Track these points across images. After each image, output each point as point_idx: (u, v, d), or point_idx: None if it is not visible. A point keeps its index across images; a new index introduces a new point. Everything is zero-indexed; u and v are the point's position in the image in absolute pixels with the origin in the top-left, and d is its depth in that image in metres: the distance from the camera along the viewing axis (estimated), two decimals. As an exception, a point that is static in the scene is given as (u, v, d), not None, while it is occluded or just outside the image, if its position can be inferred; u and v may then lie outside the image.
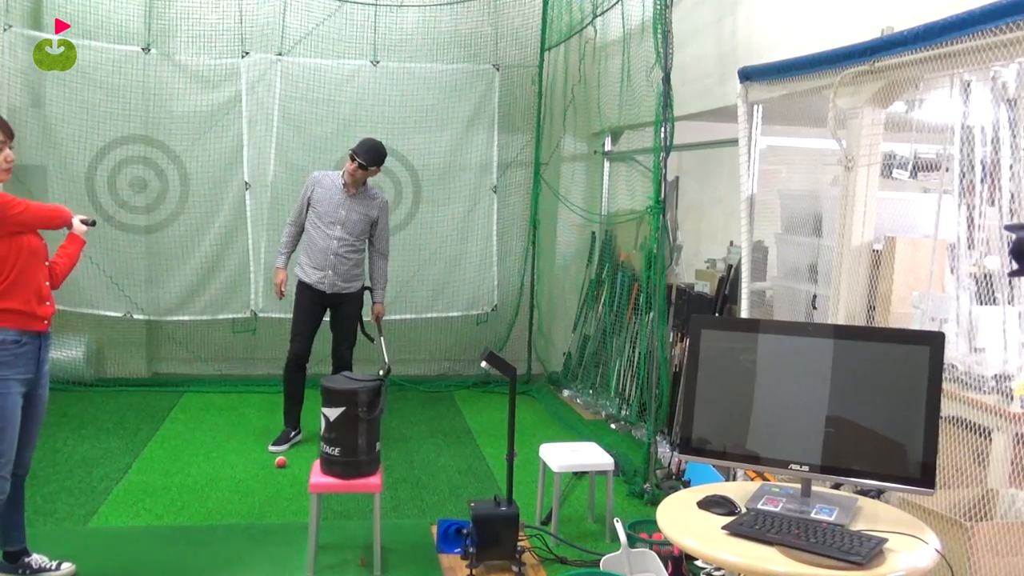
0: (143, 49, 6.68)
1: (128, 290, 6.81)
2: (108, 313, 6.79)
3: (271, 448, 5.38)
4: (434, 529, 4.18)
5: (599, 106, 6.45)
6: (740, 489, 2.72)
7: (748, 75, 4.24)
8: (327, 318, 5.52)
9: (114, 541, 4.04)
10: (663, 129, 4.75)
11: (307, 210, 5.36)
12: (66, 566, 3.64)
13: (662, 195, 4.88)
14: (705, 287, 5.58)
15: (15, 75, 6.55)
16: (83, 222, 3.59)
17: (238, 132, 6.81)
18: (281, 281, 5.43)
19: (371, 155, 5.22)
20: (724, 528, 2.38)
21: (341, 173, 5.31)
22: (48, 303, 3.36)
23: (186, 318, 6.99)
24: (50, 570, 3.60)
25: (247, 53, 6.76)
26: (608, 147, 6.84)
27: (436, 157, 7.11)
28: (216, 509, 4.48)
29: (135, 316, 6.86)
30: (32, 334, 3.27)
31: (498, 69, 7.18)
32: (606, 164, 6.86)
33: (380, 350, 5.54)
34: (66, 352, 6.61)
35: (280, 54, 6.80)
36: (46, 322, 3.34)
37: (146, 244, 6.87)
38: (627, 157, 6.26)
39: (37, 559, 3.61)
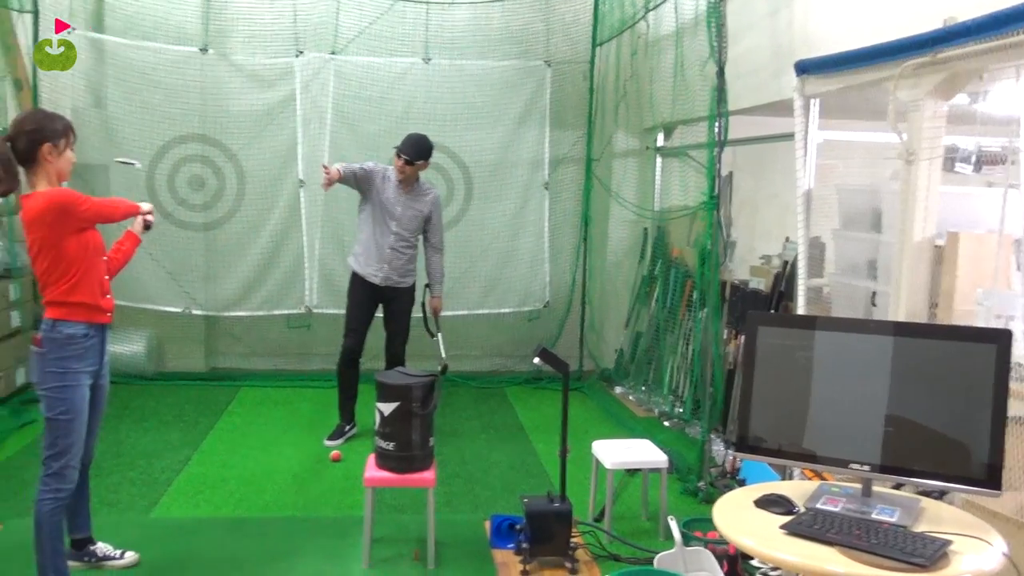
0: (200, 50, 6.81)
1: (187, 286, 6.95)
2: (168, 308, 6.94)
3: (326, 442, 5.45)
4: (487, 524, 4.20)
5: (651, 101, 6.40)
6: (798, 488, 2.69)
7: (805, 68, 4.18)
8: (380, 314, 5.57)
9: (175, 531, 4.13)
10: (717, 124, 4.70)
11: (364, 201, 5.36)
12: (129, 555, 3.74)
13: (716, 191, 4.83)
14: (760, 283, 5.51)
15: (79, 77, 6.73)
16: (146, 225, 3.66)
17: (292, 130, 6.90)
18: (331, 172, 5.11)
19: (415, 150, 5.24)
20: (782, 527, 2.35)
21: (395, 169, 5.36)
22: (109, 296, 3.44)
23: (243, 314, 7.11)
24: (115, 559, 3.70)
25: (301, 52, 6.85)
26: (661, 142, 6.78)
27: (487, 154, 7.13)
28: (273, 501, 4.56)
29: (194, 311, 7.00)
30: (98, 327, 3.36)
31: (549, 65, 7.16)
32: (658, 160, 6.81)
33: (436, 346, 5.58)
34: (128, 346, 6.78)
35: (333, 53, 6.87)
36: (109, 315, 3.43)
37: (204, 241, 7.00)
38: (680, 152, 6.21)
39: (102, 547, 3.71)
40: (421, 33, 6.98)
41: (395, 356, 5.48)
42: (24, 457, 5.04)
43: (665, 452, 4.25)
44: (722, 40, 4.69)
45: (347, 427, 5.57)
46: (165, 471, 4.92)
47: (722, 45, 4.69)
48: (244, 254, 7.03)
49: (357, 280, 5.45)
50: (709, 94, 4.85)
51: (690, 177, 6.07)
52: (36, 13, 6.56)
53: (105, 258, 3.47)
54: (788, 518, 2.41)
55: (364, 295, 5.44)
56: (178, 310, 6.95)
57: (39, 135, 3.19)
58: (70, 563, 3.42)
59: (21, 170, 3.23)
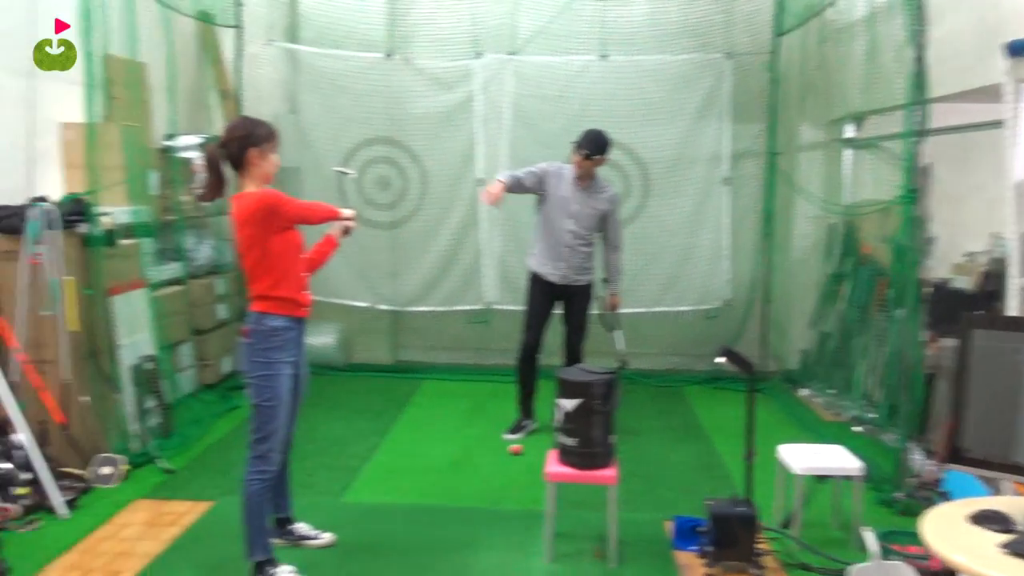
0: (385, 55, 7.08)
1: (374, 282, 7.26)
2: (357, 303, 7.28)
3: (506, 436, 5.55)
4: (669, 525, 4.14)
5: (841, 91, 6.11)
6: (1014, 505, 2.49)
7: (1018, 49, 3.86)
8: (558, 311, 5.60)
9: (366, 515, 4.33)
10: (916, 112, 4.42)
11: (539, 192, 5.40)
12: (326, 535, 3.95)
13: (914, 183, 4.54)
14: (963, 282, 5.13)
15: (276, 85, 7.17)
16: (345, 231, 3.83)
17: (472, 131, 7.06)
18: (498, 192, 5.19)
19: (595, 145, 5.23)
20: (1004, 547, 2.18)
21: (571, 167, 5.37)
22: (307, 292, 3.64)
23: (425, 309, 7.35)
24: (313, 538, 3.92)
25: (480, 54, 7.00)
26: (850, 134, 6.46)
27: (665, 150, 7.02)
28: (456, 491, 4.68)
29: (380, 306, 7.31)
30: (297, 320, 3.56)
31: (730, 57, 6.97)
32: (847, 152, 6.49)
33: (614, 341, 5.56)
34: (320, 339, 7.16)
35: (512, 53, 6.97)
36: (307, 309, 3.63)
37: (389, 239, 7.29)
38: (872, 144, 5.89)
39: (302, 527, 3.94)
40: (598, 30, 6.96)
41: (573, 353, 5.50)
42: (232, 439, 5.43)
43: (858, 459, 4.04)
44: (921, 22, 4.41)
45: (526, 422, 5.64)
46: (355, 457, 5.16)
47: (921, 28, 4.41)
48: (426, 251, 7.26)
49: (536, 279, 5.51)
50: (906, 81, 4.57)
51: (883, 169, 5.75)
52: (239, 27, 7.06)
53: (304, 257, 3.68)
54: (1009, 537, 2.24)
55: (542, 293, 5.49)
56: (366, 305, 7.27)
57: (247, 140, 3.42)
58: (273, 540, 3.65)
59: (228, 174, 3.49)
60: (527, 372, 5.60)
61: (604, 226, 5.46)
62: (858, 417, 5.80)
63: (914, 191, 4.56)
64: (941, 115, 4.93)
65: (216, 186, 3.42)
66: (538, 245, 5.48)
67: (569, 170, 5.38)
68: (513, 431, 5.58)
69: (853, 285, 6.17)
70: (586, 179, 5.35)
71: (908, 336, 4.59)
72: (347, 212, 3.78)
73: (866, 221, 6.17)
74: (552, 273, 5.42)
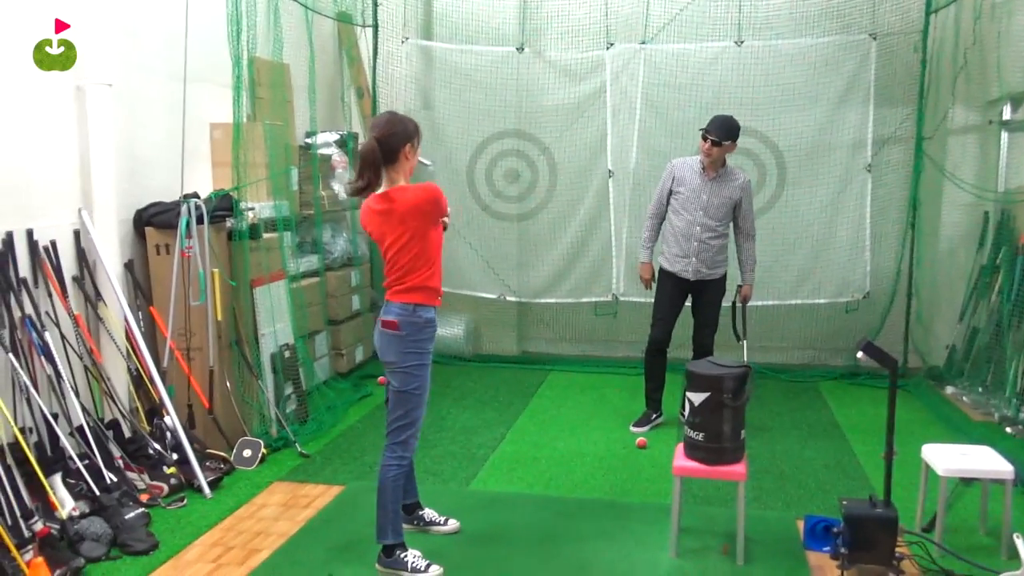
0: (517, 49, 7.12)
1: (502, 274, 7.33)
2: (484, 295, 7.38)
3: (632, 428, 5.50)
4: (800, 524, 3.98)
5: (998, 69, 5.72)
6: None
7: None
8: (688, 303, 5.50)
9: (491, 504, 4.37)
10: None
11: (668, 199, 5.37)
12: (452, 522, 4.02)
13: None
14: None
15: (411, 81, 7.34)
16: (444, 226, 3.80)
17: (602, 121, 7.01)
18: (649, 277, 5.49)
19: (723, 130, 5.10)
20: None
21: (699, 158, 5.26)
22: None
23: (552, 300, 7.37)
24: (439, 524, 4.00)
25: (612, 44, 6.93)
26: (1008, 115, 6.04)
27: (803, 137, 6.76)
28: (581, 483, 4.67)
29: (508, 298, 7.37)
30: (436, 311, 3.64)
31: (875, 38, 6.63)
32: (1004, 135, 6.07)
33: (740, 350, 5.40)
34: (449, 330, 7.30)
35: (643, 42, 6.87)
36: (440, 299, 3.70)
37: (518, 231, 7.34)
38: (1032, 126, 5.50)
39: (429, 513, 4.03)
40: (734, 15, 6.76)
41: (703, 346, 5.38)
42: (363, 427, 5.61)
43: (1009, 461, 3.78)
44: (1089, -7, 4.06)
45: (653, 415, 5.57)
46: (482, 447, 5.23)
47: (1089, -1, 4.06)
48: (554, 243, 7.26)
49: (666, 275, 5.43)
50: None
51: (1044, 153, 5.37)
52: (376, 27, 7.26)
53: None
54: None
55: (673, 287, 5.41)
56: (493, 296, 7.35)
57: (404, 136, 3.50)
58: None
59: None
60: (655, 365, 5.52)
61: (736, 215, 5.32)
62: (1010, 417, 5.43)
63: (1078, 175, 4.21)
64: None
65: (375, 181, 3.48)
66: (667, 243, 5.39)
67: (697, 161, 5.27)
68: (640, 424, 5.52)
69: (1007, 277, 5.77)
70: (715, 166, 5.22)
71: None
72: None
73: (1023, 209, 5.76)
74: (684, 270, 5.32)
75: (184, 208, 4.83)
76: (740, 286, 5.51)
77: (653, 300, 5.53)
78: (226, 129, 5.39)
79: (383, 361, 3.59)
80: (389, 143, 3.46)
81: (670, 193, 5.34)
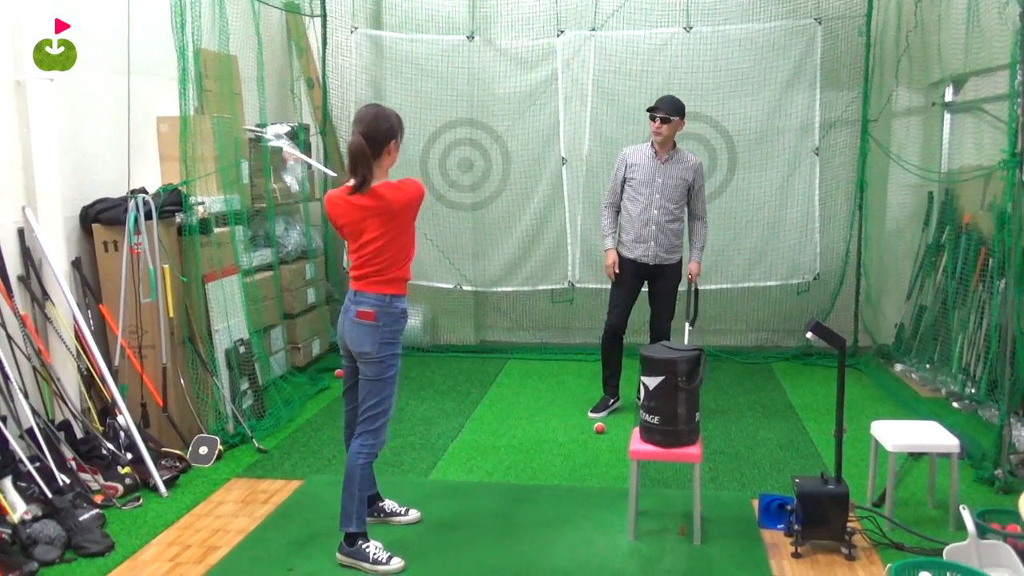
0: (468, 37, 7.10)
1: (458, 263, 7.32)
2: (441, 285, 7.36)
3: (590, 414, 5.54)
4: (755, 503, 4.07)
5: (939, 53, 5.83)
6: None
7: None
8: (645, 290, 5.55)
9: (452, 493, 4.39)
10: (1020, 71, 4.19)
11: (622, 188, 5.41)
12: (413, 512, 4.02)
13: (1018, 147, 4.31)
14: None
15: (360, 72, 7.27)
16: None
17: (554, 109, 7.02)
18: (613, 262, 5.43)
19: (670, 107, 5.17)
20: (1105, 524, 2.06)
21: (650, 143, 5.30)
22: None
23: (509, 289, 7.38)
24: (400, 515, 4.00)
25: (562, 31, 6.93)
26: (949, 97, 6.17)
27: (752, 121, 6.84)
28: (540, 469, 4.70)
29: (464, 287, 7.36)
30: None
31: (820, 22, 6.72)
32: (947, 116, 6.20)
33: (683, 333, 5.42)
34: (407, 321, 7.25)
35: (594, 29, 6.89)
36: None
37: (472, 220, 7.33)
38: (973, 107, 5.61)
39: (389, 504, 4.03)
40: (682, 1, 6.80)
41: (660, 332, 5.43)
42: (321, 420, 5.58)
43: (955, 435, 3.88)
44: (1025, -23, 4.16)
45: (611, 400, 5.62)
46: (441, 437, 5.24)
47: (1026, -18, 4.16)
48: (510, 232, 7.27)
49: (624, 262, 5.43)
50: (1011, 38, 4.33)
51: (985, 134, 5.49)
52: (324, 17, 7.19)
53: None
54: (1113, 514, 2.11)
55: (630, 275, 5.44)
56: (450, 286, 7.34)
57: (391, 132, 3.48)
58: (362, 517, 3.73)
59: None
60: (612, 352, 5.56)
61: (689, 196, 5.38)
62: (956, 392, 5.58)
63: (1018, 155, 4.32)
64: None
65: (370, 175, 3.42)
66: (625, 230, 5.43)
67: (648, 146, 5.32)
68: (597, 409, 5.57)
69: (952, 255, 5.91)
70: (666, 148, 5.28)
71: (1011, 307, 4.37)
72: None
73: (966, 188, 5.90)
74: (643, 255, 5.35)
75: (132, 204, 4.75)
76: (689, 263, 5.51)
77: (609, 287, 5.57)
78: (173, 123, 5.30)
79: (356, 352, 3.57)
80: (375, 138, 3.44)
81: (624, 181, 5.38)
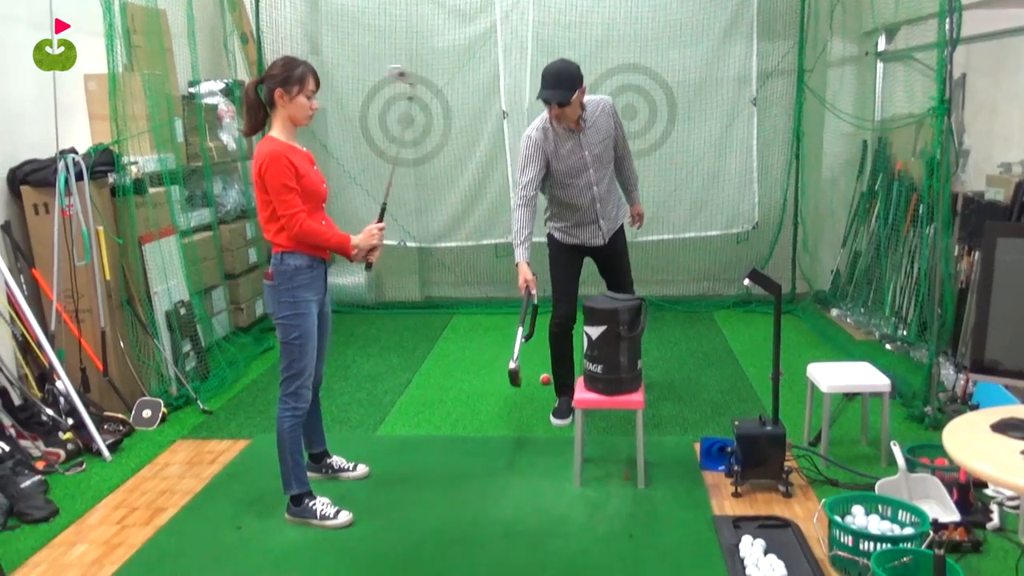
0: (405, -11, 6.97)
1: (401, 220, 7.28)
2: (385, 242, 7.27)
3: (554, 421, 4.75)
4: (697, 446, 4.18)
5: (872, 2, 5.91)
6: (1041, 412, 2.47)
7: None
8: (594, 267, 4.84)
9: (400, 447, 4.42)
10: (948, 20, 4.27)
11: (544, 179, 4.48)
12: (361, 467, 4.05)
13: (947, 95, 4.41)
14: (998, 194, 5.01)
15: (295, 25, 7.11)
16: (367, 264, 3.75)
17: (494, 62, 6.96)
18: (530, 280, 4.33)
19: (562, 87, 4.17)
20: None
21: (550, 121, 4.38)
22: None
23: (453, 244, 7.37)
24: (348, 470, 4.02)
25: (501, -18, 6.86)
26: (882, 47, 6.27)
27: (691, 72, 6.87)
28: (487, 422, 4.76)
29: (408, 244, 7.33)
30: (319, 260, 3.57)
31: (756, -28, 6.76)
32: (879, 65, 6.31)
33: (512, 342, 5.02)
34: (351, 279, 7.24)
35: (532, -20, 6.82)
36: (327, 252, 3.62)
37: (415, 176, 7.27)
38: (904, 56, 5.72)
39: (337, 460, 4.04)
40: (619, -50, 6.77)
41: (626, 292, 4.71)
42: (266, 380, 5.55)
43: (888, 376, 4.02)
44: (953, -75, 4.22)
45: (572, 401, 4.48)
46: (388, 393, 5.26)
47: (953, -70, 4.22)
48: (452, 187, 7.24)
49: (563, 248, 4.66)
50: (939, -13, 4.40)
51: (916, 82, 5.60)
52: (256, -30, 6.99)
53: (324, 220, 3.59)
54: (1030, 443, 2.23)
55: (573, 255, 4.68)
56: (394, 243, 7.29)
57: (273, 81, 3.40)
58: (309, 474, 3.74)
59: None
60: (563, 346, 4.71)
61: (615, 145, 4.56)
62: (889, 335, 5.76)
63: (947, 102, 4.43)
64: (977, 23, 4.76)
65: (254, 123, 3.46)
66: (563, 217, 4.60)
67: (555, 122, 4.38)
68: (561, 415, 4.73)
69: (884, 202, 6.06)
70: (576, 119, 4.33)
71: (940, 251, 4.51)
72: (366, 244, 3.63)
73: (898, 136, 6.03)
74: (592, 238, 4.60)
75: (61, 164, 4.62)
76: (631, 208, 4.91)
77: (550, 275, 4.71)
78: (101, 80, 5.14)
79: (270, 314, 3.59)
80: (265, 87, 3.42)
81: (547, 173, 4.46)
